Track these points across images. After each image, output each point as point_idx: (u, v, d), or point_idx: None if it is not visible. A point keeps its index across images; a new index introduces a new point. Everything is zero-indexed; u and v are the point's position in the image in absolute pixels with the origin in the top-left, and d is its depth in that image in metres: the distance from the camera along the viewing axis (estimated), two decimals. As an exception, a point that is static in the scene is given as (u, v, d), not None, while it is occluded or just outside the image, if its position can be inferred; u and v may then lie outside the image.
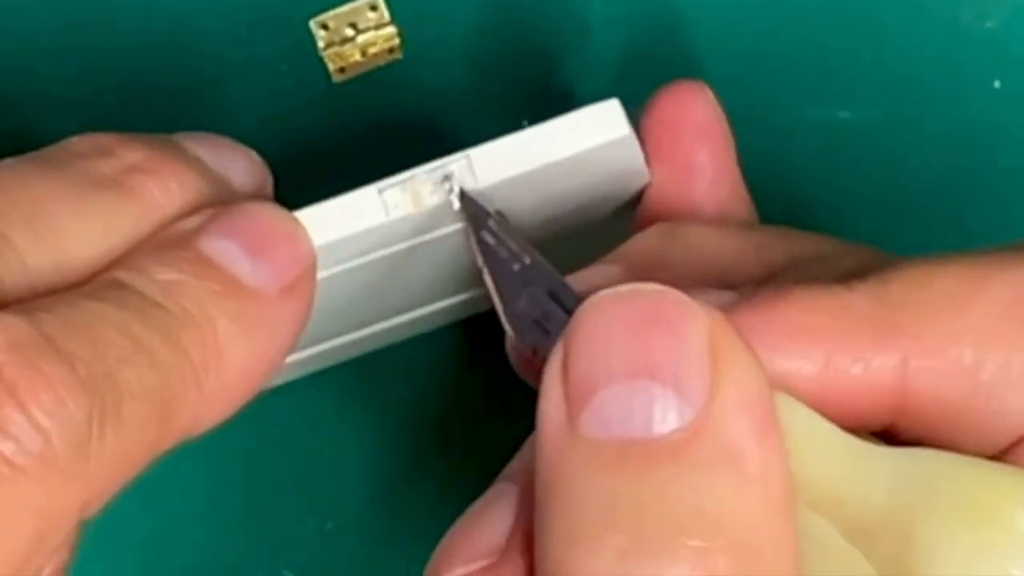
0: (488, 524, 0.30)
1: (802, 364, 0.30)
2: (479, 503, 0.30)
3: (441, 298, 0.39)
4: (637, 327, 0.28)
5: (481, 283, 0.34)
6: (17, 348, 0.28)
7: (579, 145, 0.34)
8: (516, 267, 0.33)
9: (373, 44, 0.42)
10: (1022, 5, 0.43)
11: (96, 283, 0.30)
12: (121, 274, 0.30)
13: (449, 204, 0.34)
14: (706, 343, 0.28)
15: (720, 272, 0.33)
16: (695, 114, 0.36)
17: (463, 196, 0.34)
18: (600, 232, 0.37)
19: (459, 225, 0.34)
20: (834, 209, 0.43)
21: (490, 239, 0.33)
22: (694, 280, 0.33)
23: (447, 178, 0.34)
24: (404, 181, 0.34)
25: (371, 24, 0.42)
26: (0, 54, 0.43)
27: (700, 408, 0.27)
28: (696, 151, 0.36)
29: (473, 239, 0.33)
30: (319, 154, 0.43)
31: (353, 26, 0.42)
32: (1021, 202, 0.43)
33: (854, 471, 0.29)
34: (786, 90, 0.43)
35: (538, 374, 0.29)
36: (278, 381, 0.40)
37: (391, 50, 0.43)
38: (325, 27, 0.42)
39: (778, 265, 0.33)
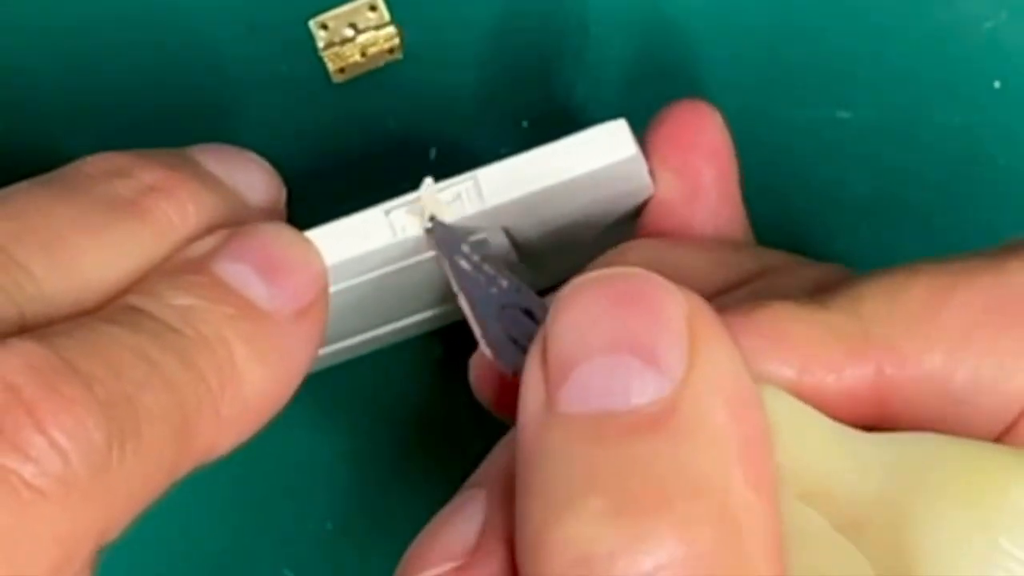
0: (458, 527, 0.30)
1: (779, 369, 0.30)
2: (447, 508, 0.30)
3: (442, 303, 0.39)
4: (616, 305, 0.28)
5: None
6: (36, 371, 0.28)
7: (586, 166, 0.34)
8: (493, 290, 0.33)
9: (373, 44, 0.42)
10: (1022, 5, 0.43)
11: (112, 308, 0.30)
12: (136, 299, 0.30)
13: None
14: (684, 322, 0.28)
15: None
16: (706, 135, 0.36)
17: (433, 225, 0.34)
18: (600, 241, 0.37)
19: None
20: (834, 209, 0.43)
21: (465, 265, 0.33)
22: None
23: (420, 211, 0.33)
24: (410, 203, 0.34)
25: (371, 24, 0.42)
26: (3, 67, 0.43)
27: (678, 381, 0.28)
28: (703, 172, 0.36)
29: (447, 266, 0.33)
30: (318, 154, 0.43)
31: (353, 26, 0.42)
32: (1020, 202, 0.43)
33: (845, 460, 0.29)
34: (786, 90, 0.43)
35: (513, 393, 0.29)
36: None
37: (391, 50, 0.43)
38: (325, 27, 0.42)
39: (743, 277, 0.34)
